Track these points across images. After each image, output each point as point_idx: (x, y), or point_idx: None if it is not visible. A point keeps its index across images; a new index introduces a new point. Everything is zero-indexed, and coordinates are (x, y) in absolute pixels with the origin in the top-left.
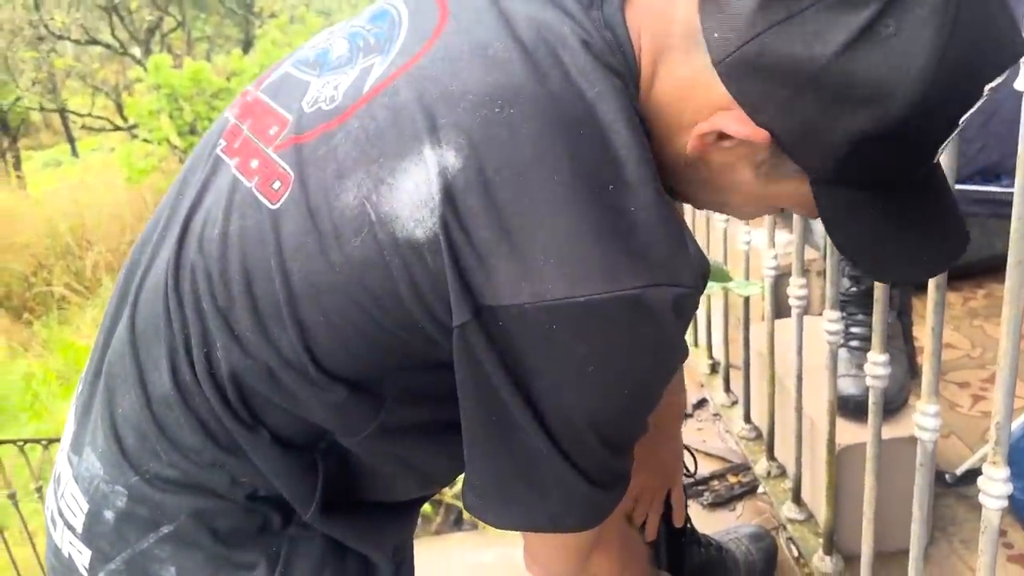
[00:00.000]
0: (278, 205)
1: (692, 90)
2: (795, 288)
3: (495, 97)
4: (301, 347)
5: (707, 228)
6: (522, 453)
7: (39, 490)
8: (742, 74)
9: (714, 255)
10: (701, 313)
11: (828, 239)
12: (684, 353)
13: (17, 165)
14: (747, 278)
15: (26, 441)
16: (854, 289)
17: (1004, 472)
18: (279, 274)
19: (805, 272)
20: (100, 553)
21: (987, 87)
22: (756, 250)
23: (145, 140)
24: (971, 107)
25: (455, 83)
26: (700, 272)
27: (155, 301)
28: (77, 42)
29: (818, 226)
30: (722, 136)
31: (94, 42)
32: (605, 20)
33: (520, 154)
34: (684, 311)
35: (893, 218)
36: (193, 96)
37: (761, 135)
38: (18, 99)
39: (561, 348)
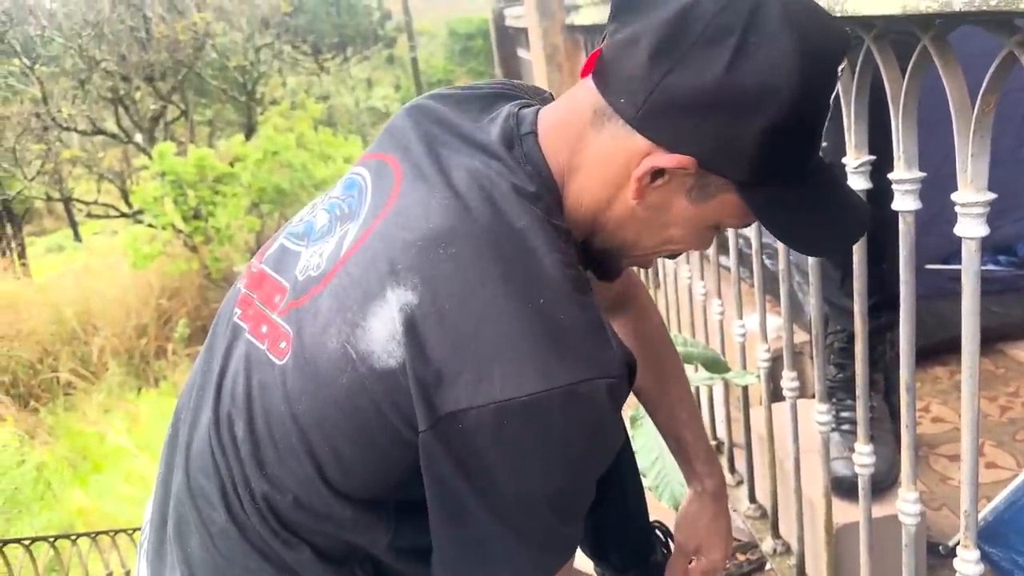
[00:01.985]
0: (284, 361)
1: (616, 153)
2: (787, 380)
3: (439, 240)
4: (315, 475)
5: (704, 320)
6: (477, 537)
7: None
8: (654, 119)
9: (713, 346)
10: (704, 396)
11: (815, 327)
12: (622, 432)
13: (22, 253)
14: (744, 367)
15: (33, 540)
16: (840, 376)
17: (975, 554)
18: (289, 416)
19: (797, 355)
20: None
21: (840, 68)
22: (752, 336)
23: (150, 225)
24: (834, 87)
25: (407, 233)
26: (625, 362)
27: (204, 452)
28: (83, 133)
29: (807, 306)
30: (656, 174)
31: (99, 132)
32: (525, 155)
33: (463, 282)
34: (617, 397)
35: (807, 204)
36: (197, 182)
37: (688, 160)
38: (23, 189)
39: (512, 441)
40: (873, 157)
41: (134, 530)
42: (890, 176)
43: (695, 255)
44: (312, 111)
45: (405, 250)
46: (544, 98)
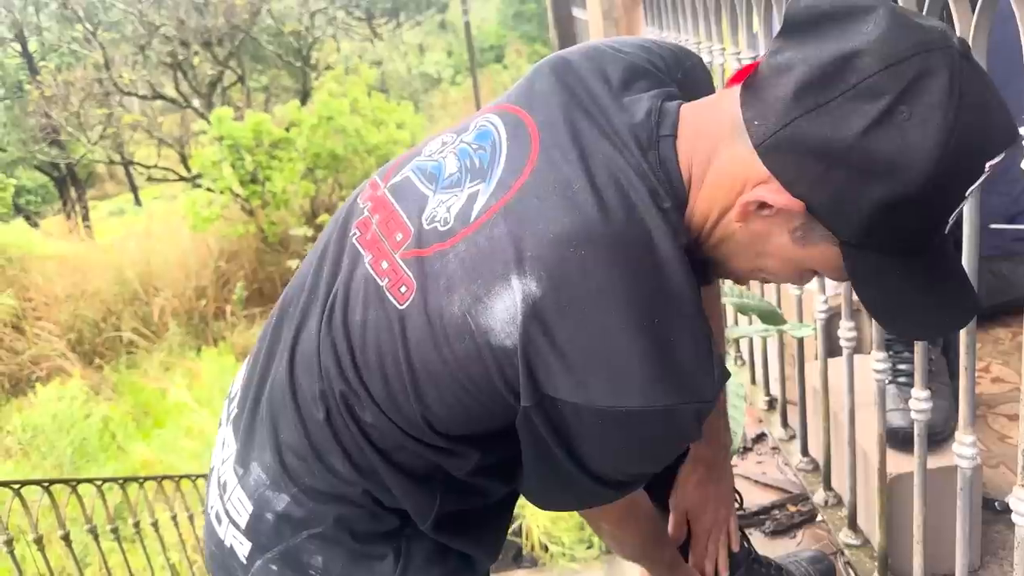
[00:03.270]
0: (404, 307)
1: (737, 172)
2: (845, 331)
3: (572, 238)
4: (420, 416)
5: (761, 288)
6: (563, 479)
7: (115, 530)
8: (779, 153)
9: (769, 298)
10: (758, 352)
11: None
12: (698, 438)
13: (86, 216)
14: (800, 320)
15: (104, 480)
16: None
17: None
18: (404, 362)
19: (854, 313)
20: (259, 545)
21: (988, 164)
22: (809, 293)
23: (208, 189)
24: (975, 182)
25: (540, 222)
26: (719, 387)
27: (311, 358)
28: (143, 97)
29: None
30: (762, 205)
31: (159, 97)
32: (660, 160)
33: (587, 289)
34: (704, 416)
35: (912, 282)
36: (254, 147)
37: (796, 204)
38: (87, 153)
39: (605, 434)
40: None
41: (197, 476)
42: None
43: None
44: (366, 76)
45: (536, 240)
46: (685, 69)
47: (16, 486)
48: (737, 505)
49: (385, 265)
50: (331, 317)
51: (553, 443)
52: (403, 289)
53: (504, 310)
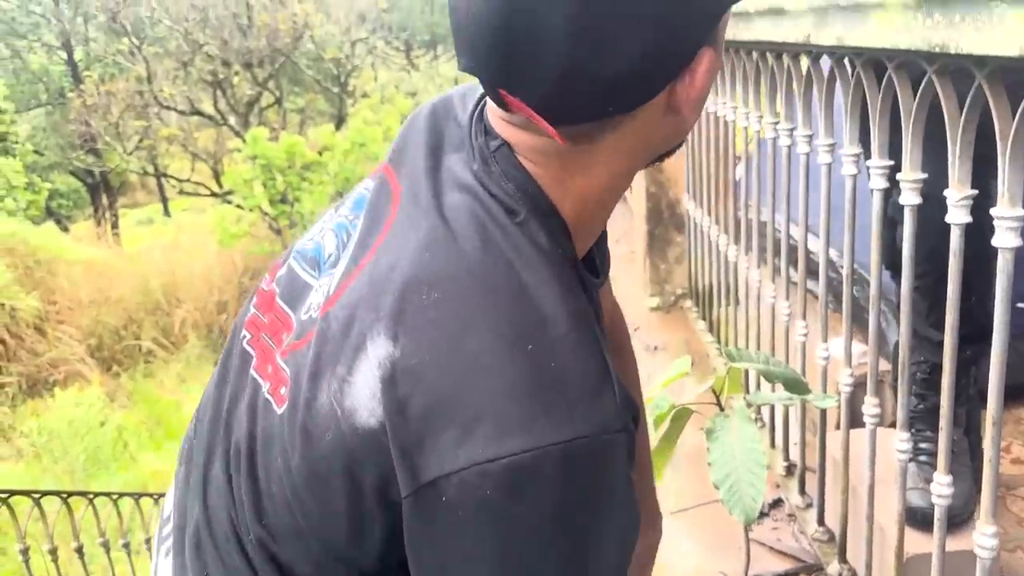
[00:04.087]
0: (282, 409)
1: (636, 132)
2: (869, 407)
3: (422, 283)
4: (306, 530)
5: (787, 342)
6: None
7: (127, 545)
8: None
9: (793, 365)
10: (779, 415)
11: (902, 356)
12: (633, 501)
13: (115, 224)
14: (824, 390)
15: (121, 494)
16: (921, 406)
17: None
18: (285, 470)
19: (879, 383)
20: None
21: None
22: (835, 361)
23: (238, 206)
24: None
25: (394, 274)
26: (628, 414)
27: (221, 485)
28: (182, 112)
29: (889, 335)
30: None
31: (197, 113)
32: (503, 171)
33: (447, 330)
34: (614, 457)
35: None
36: (286, 168)
37: (703, 53)
38: (121, 162)
39: (499, 512)
40: (975, 192)
41: None
42: (993, 212)
43: (781, 280)
44: (400, 106)
45: (388, 295)
46: None
47: (36, 495)
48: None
49: (269, 368)
50: (228, 438)
51: (443, 551)
52: (283, 391)
53: (365, 384)
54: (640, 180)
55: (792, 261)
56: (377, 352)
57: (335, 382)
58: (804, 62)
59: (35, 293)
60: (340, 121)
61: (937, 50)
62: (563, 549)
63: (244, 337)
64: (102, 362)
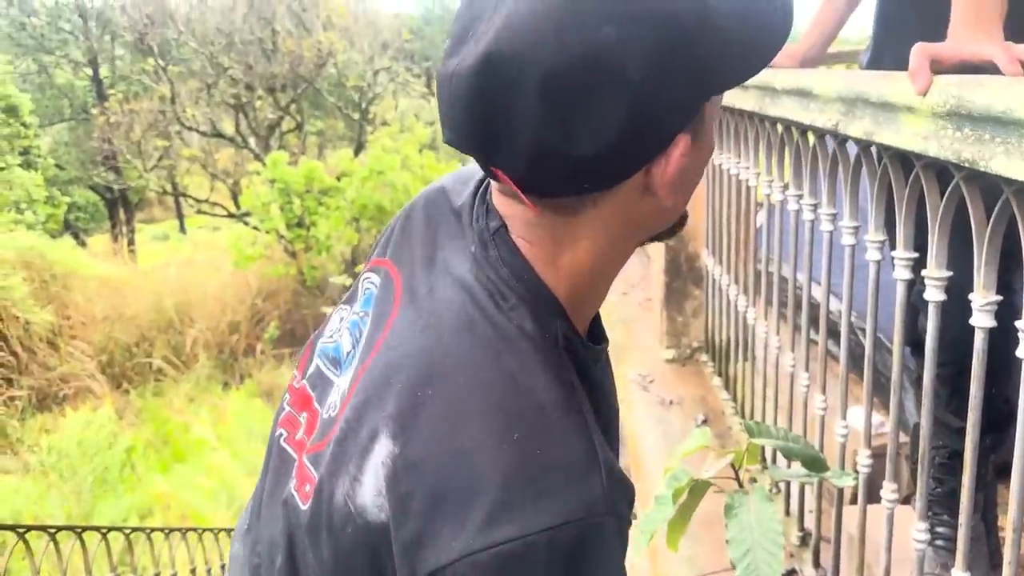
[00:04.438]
0: (307, 506)
1: (613, 211)
2: (888, 492)
3: (420, 381)
4: None
5: (804, 415)
6: None
7: None
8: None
9: (811, 439)
10: (794, 485)
11: (922, 444)
12: None
13: (131, 240)
14: (842, 465)
15: (110, 529)
16: (938, 490)
17: None
18: (317, 560)
19: (896, 455)
20: None
21: None
22: (855, 432)
23: (255, 228)
24: None
25: (395, 374)
26: (621, 498)
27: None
28: (203, 134)
29: (909, 404)
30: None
31: (218, 135)
32: (500, 255)
33: (441, 429)
34: (602, 542)
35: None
36: (304, 192)
37: (679, 139)
38: (140, 179)
39: None
40: (1000, 298)
41: (218, 530)
42: (1018, 324)
43: (800, 342)
44: (419, 135)
45: (391, 395)
46: None
47: (52, 530)
48: None
49: (297, 466)
50: (271, 531)
51: None
52: (307, 488)
53: (372, 483)
54: None
55: (812, 318)
56: (381, 451)
57: (347, 481)
58: (830, 142)
59: (50, 307)
60: (359, 147)
61: (966, 164)
62: None
63: (281, 435)
64: (112, 378)
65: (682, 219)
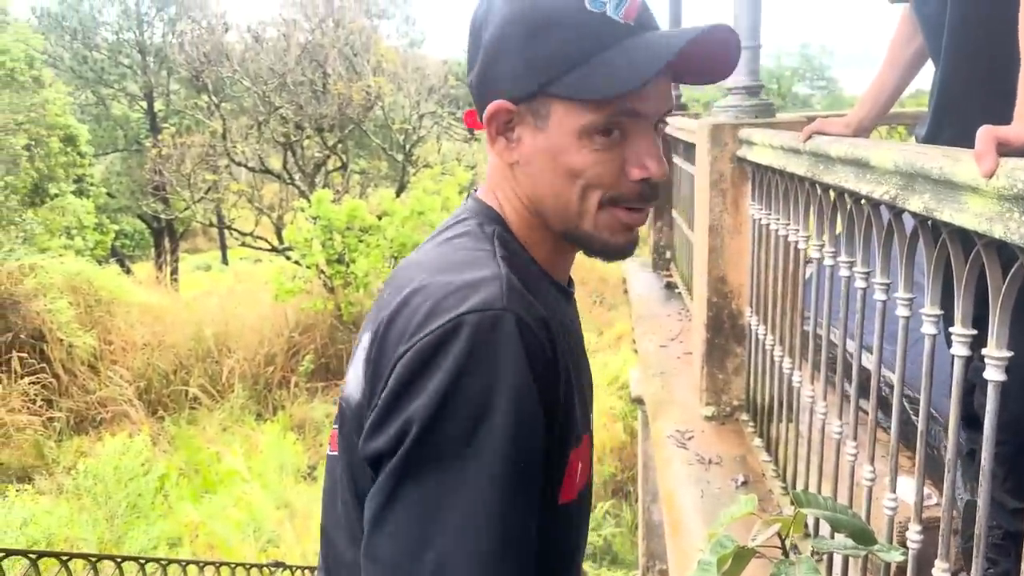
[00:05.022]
0: (335, 451)
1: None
2: (939, 572)
3: (398, 288)
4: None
5: (851, 485)
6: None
7: None
8: (480, 103)
9: (858, 510)
10: (837, 556)
11: (979, 526)
12: (513, 370)
13: (175, 270)
14: (890, 539)
15: (148, 560)
16: (992, 571)
17: None
18: (346, 491)
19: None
20: None
21: None
22: (904, 505)
23: (295, 262)
24: None
25: (381, 301)
26: (519, 303)
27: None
28: (251, 169)
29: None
30: (496, 126)
31: (266, 171)
32: (469, 198)
33: (397, 295)
34: (501, 330)
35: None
36: (346, 230)
37: (501, 104)
38: (187, 210)
39: (429, 373)
40: None
41: (237, 565)
42: None
43: (849, 409)
44: (460, 178)
45: (376, 311)
46: None
47: (65, 557)
48: None
49: (331, 436)
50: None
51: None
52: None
53: (356, 373)
54: (702, 289)
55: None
56: (364, 344)
57: (345, 390)
58: (885, 213)
59: (93, 331)
60: (401, 187)
61: None
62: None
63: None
64: (148, 404)
65: (613, 246)
